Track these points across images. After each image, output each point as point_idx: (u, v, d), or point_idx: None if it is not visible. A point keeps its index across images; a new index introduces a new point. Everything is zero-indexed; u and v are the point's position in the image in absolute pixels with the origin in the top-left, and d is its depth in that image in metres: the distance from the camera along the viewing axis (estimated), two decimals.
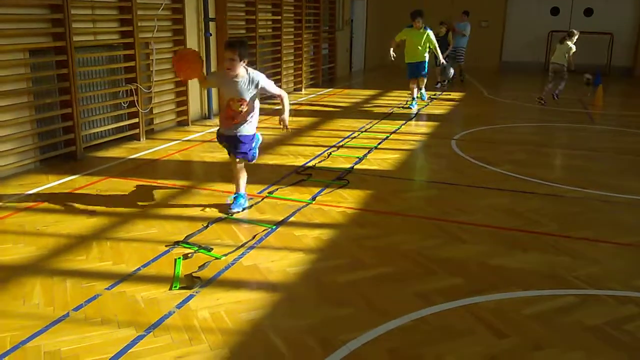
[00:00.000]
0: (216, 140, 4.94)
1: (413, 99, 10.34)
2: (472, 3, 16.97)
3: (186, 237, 4.22)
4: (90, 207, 4.84)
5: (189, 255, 3.91)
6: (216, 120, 8.94)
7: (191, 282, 3.52)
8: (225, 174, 6.04)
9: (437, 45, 10.08)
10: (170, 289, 3.44)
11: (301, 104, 10.81)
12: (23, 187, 5.37)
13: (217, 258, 3.87)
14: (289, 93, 12.06)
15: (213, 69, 9.15)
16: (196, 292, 3.40)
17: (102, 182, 5.57)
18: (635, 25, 16.30)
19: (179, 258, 3.85)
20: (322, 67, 13.78)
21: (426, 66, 10.12)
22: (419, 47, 9.88)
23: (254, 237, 4.25)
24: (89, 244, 4.11)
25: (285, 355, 2.82)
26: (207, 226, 4.43)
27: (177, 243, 4.11)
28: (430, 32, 9.87)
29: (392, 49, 9.98)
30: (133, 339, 2.91)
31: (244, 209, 4.79)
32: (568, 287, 3.56)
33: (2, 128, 5.60)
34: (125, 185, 5.49)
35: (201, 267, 3.72)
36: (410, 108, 10.11)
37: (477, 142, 7.59)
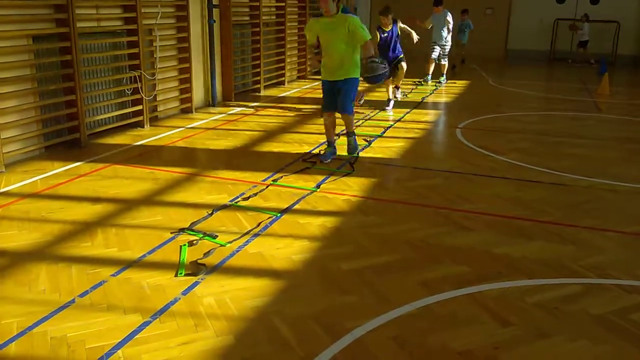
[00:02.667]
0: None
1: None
2: None
3: (191, 224, 4.23)
4: (95, 194, 4.85)
5: (194, 242, 3.91)
6: (220, 108, 8.93)
7: (196, 268, 3.53)
8: (229, 161, 6.04)
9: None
10: (176, 275, 3.45)
11: (305, 91, 10.77)
12: (28, 174, 5.38)
13: (222, 245, 3.87)
14: (292, 81, 12.02)
15: (217, 55, 9.12)
16: (201, 279, 3.41)
17: (107, 169, 5.57)
18: None
19: (184, 245, 3.85)
20: None
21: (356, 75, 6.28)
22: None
23: (258, 225, 4.25)
24: (94, 230, 4.12)
25: (290, 342, 2.83)
26: (211, 213, 4.43)
27: (182, 230, 4.12)
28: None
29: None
30: (139, 325, 2.92)
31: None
32: (573, 276, 3.55)
33: (7, 115, 5.59)
34: (129, 172, 5.49)
35: (206, 254, 3.73)
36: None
37: (482, 131, 7.55)
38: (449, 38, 11.54)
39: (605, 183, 5.36)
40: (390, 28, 8.49)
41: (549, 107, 9.55)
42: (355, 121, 6.49)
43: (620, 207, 4.85)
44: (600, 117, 8.86)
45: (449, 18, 11.31)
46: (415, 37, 9.02)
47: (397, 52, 8.76)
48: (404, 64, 9.00)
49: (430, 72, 11.74)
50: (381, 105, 8.96)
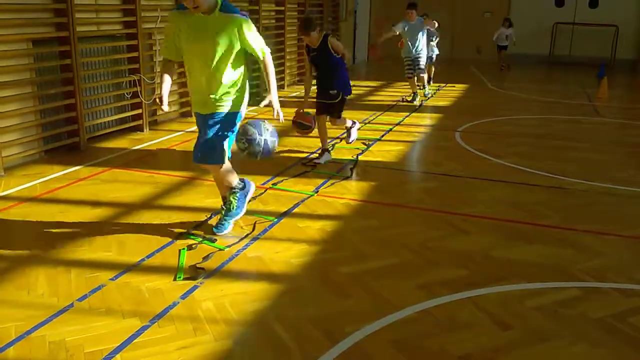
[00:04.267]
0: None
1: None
2: None
3: (190, 228, 4.22)
4: (94, 198, 4.85)
5: (193, 246, 3.91)
6: None
7: (195, 272, 3.52)
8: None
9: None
10: (175, 279, 3.45)
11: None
12: (27, 178, 5.38)
13: (220, 249, 3.87)
14: (292, 84, 12.03)
15: None
16: (200, 283, 3.41)
17: (106, 173, 5.57)
18: None
19: (183, 249, 3.85)
20: None
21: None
22: None
23: (257, 228, 4.25)
24: (93, 234, 4.11)
25: (289, 346, 2.83)
26: (210, 217, 4.43)
27: (181, 234, 4.11)
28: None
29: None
30: (138, 329, 2.92)
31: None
32: (572, 279, 3.55)
33: (6, 119, 5.59)
34: (128, 176, 5.49)
35: (205, 257, 3.72)
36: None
37: (481, 134, 7.56)
38: (424, 49, 9.76)
39: (604, 186, 5.37)
40: (319, 45, 5.76)
41: (548, 111, 9.56)
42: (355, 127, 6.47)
43: (619, 210, 4.85)
44: (599, 120, 8.87)
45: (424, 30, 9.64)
46: (348, 56, 6.27)
47: (342, 80, 5.90)
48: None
49: (416, 88, 9.93)
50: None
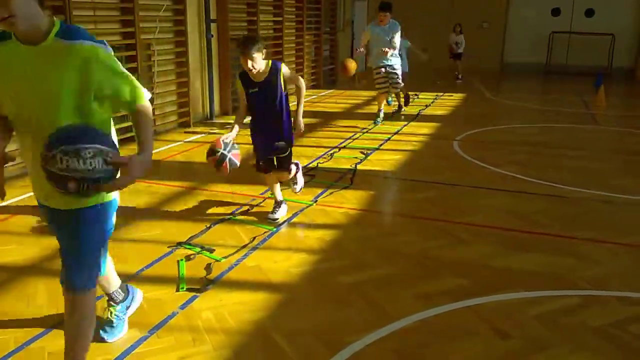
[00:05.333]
0: None
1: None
2: (473, 3, 17.03)
3: (189, 238, 4.22)
4: None
5: (192, 257, 3.91)
6: (218, 122, 8.95)
7: (200, 284, 3.49)
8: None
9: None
10: (177, 290, 3.44)
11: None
12: (26, 189, 5.37)
13: (217, 260, 3.84)
14: (290, 94, 12.04)
15: (215, 70, 9.16)
16: (199, 293, 3.40)
17: None
18: (636, 26, 16.28)
19: (182, 260, 3.84)
20: (323, 68, 13.78)
21: None
22: None
23: (255, 239, 4.25)
24: None
25: (289, 356, 2.82)
26: (209, 227, 4.43)
27: (179, 244, 4.11)
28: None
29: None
30: (137, 339, 2.91)
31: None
32: (572, 288, 3.55)
33: None
34: (127, 186, 5.48)
35: (206, 268, 3.71)
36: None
37: (480, 143, 7.58)
38: (398, 58, 8.36)
39: (603, 195, 5.38)
40: (265, 78, 4.22)
41: (546, 119, 9.60)
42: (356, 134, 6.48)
43: (617, 218, 4.86)
44: (597, 129, 8.90)
45: (398, 36, 8.09)
46: (303, 96, 4.54)
47: (289, 124, 4.47)
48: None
49: (382, 107, 8.67)
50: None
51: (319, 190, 5.39)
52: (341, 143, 7.38)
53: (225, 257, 3.89)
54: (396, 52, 8.18)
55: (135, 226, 4.48)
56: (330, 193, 5.33)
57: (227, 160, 4.12)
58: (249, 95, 4.30)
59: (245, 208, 4.89)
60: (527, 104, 11.19)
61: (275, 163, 4.51)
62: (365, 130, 8.23)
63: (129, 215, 4.71)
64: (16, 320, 3.10)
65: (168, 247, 4.07)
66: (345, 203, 5.07)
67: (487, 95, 12.34)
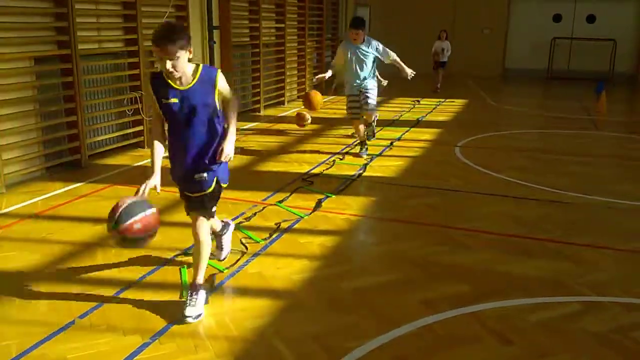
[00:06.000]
0: None
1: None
2: (474, 9, 17.08)
3: (192, 245, 4.21)
4: (95, 215, 4.85)
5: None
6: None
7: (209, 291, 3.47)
8: (230, 180, 6.03)
9: None
10: (180, 298, 3.44)
11: (305, 111, 10.81)
12: (29, 195, 5.39)
13: (220, 271, 3.81)
14: (292, 100, 12.09)
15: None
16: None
17: (107, 190, 5.59)
18: (638, 31, 16.31)
19: (184, 267, 3.84)
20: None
21: None
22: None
23: (258, 245, 4.25)
24: (94, 251, 4.12)
25: None
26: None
27: (183, 251, 4.11)
28: None
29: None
30: (139, 346, 2.92)
31: None
32: (573, 294, 3.55)
33: (8, 136, 5.62)
34: (130, 193, 5.46)
35: (209, 280, 3.67)
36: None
37: (481, 149, 7.59)
38: (374, 80, 7.00)
39: (604, 200, 5.38)
40: (190, 86, 3.10)
41: (547, 125, 9.60)
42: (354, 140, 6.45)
43: (618, 224, 4.86)
44: (598, 134, 8.90)
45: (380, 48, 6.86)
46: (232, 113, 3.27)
47: (210, 162, 3.27)
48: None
49: (364, 132, 7.15)
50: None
51: (321, 197, 5.37)
52: (343, 149, 7.39)
53: (227, 268, 3.87)
54: (373, 73, 6.95)
55: None
56: (333, 199, 5.32)
57: (117, 239, 2.92)
58: (165, 106, 3.11)
59: (247, 214, 4.89)
60: (529, 109, 11.20)
61: (189, 203, 3.41)
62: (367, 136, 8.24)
63: None
64: (17, 326, 3.11)
65: (170, 253, 4.07)
66: (347, 209, 5.08)
67: (489, 101, 12.35)
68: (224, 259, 3.93)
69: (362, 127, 7.02)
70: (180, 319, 3.16)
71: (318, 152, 7.24)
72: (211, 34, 8.77)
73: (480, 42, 17.14)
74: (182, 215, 4.85)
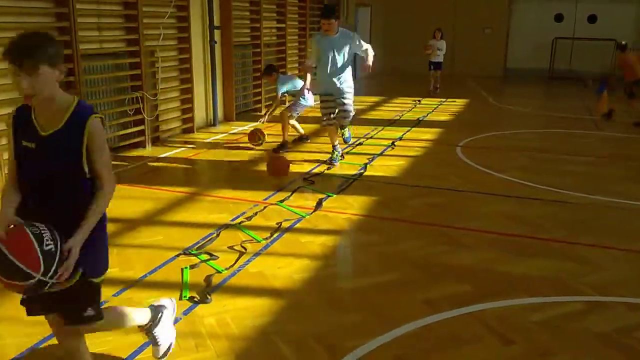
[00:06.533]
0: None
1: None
2: (475, 9, 17.07)
3: (192, 244, 4.22)
4: None
5: (196, 265, 3.89)
6: (221, 127, 8.98)
7: (203, 296, 3.44)
8: (230, 180, 6.05)
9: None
10: (180, 298, 3.43)
11: (306, 110, 10.81)
12: None
13: (219, 271, 3.78)
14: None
15: (219, 76, 9.19)
16: (201, 304, 3.39)
17: None
18: (639, 32, 16.28)
19: (186, 268, 3.83)
20: None
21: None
22: None
23: (260, 244, 4.25)
24: None
25: None
26: (212, 233, 4.42)
27: (183, 251, 4.11)
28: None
29: None
30: (140, 345, 2.91)
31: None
32: (575, 294, 3.54)
33: None
34: (131, 192, 5.50)
35: (206, 280, 3.68)
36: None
37: (482, 149, 7.58)
38: (351, 79, 6.32)
39: (606, 200, 5.37)
40: (55, 129, 2.27)
41: (549, 125, 9.59)
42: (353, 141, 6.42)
43: (621, 224, 4.85)
44: (599, 134, 8.89)
45: (361, 43, 6.20)
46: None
47: (91, 234, 2.36)
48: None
49: (337, 143, 6.63)
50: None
51: (322, 196, 5.36)
52: (344, 149, 7.38)
53: (227, 268, 3.86)
54: (349, 70, 6.26)
55: (140, 232, 4.49)
56: (334, 199, 5.32)
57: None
58: (21, 149, 2.27)
59: (248, 214, 4.89)
60: (530, 109, 11.19)
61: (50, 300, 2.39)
62: (369, 136, 8.24)
63: (132, 221, 4.72)
64: (18, 326, 3.10)
65: (172, 252, 4.06)
66: (348, 209, 5.07)
67: (490, 101, 12.34)
68: (164, 355, 2.76)
69: (336, 134, 6.48)
70: (180, 318, 3.16)
71: (318, 152, 7.23)
72: (212, 33, 8.77)
73: (482, 42, 17.13)
74: (182, 215, 4.87)
